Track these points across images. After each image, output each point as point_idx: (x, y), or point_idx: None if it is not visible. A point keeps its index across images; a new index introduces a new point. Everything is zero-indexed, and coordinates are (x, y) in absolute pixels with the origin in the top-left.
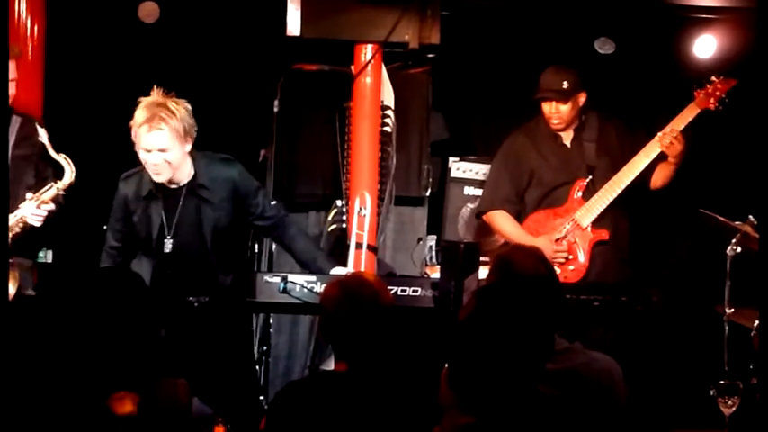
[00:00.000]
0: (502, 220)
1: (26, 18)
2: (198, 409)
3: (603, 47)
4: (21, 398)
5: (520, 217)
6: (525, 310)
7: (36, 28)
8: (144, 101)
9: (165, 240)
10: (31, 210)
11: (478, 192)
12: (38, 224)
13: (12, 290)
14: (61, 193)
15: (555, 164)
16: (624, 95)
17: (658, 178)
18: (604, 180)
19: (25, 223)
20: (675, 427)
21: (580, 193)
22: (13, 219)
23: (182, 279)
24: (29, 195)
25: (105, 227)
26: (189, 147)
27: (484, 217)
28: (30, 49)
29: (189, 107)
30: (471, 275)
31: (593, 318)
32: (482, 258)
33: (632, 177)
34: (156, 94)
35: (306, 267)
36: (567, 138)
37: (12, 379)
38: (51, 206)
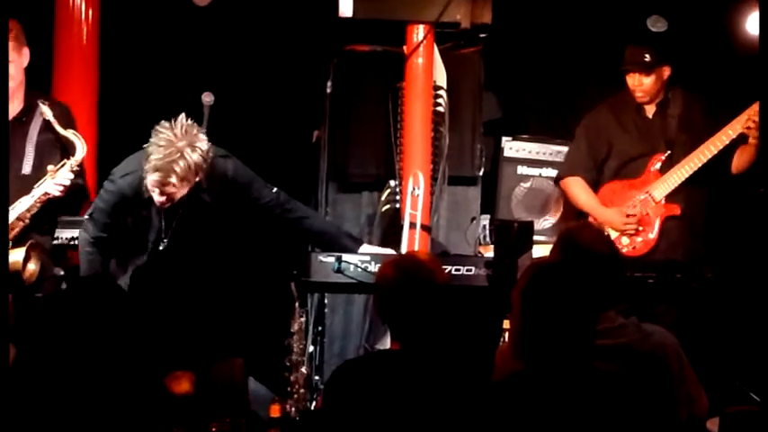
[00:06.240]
0: (577, 188)
1: (80, 2)
2: (254, 388)
3: (656, 25)
4: (78, 376)
5: (596, 187)
6: (587, 286)
7: (90, 12)
8: (161, 139)
9: (161, 242)
10: (52, 182)
11: (532, 171)
12: (58, 193)
13: (33, 268)
14: (75, 169)
15: (634, 134)
16: (677, 73)
17: (740, 162)
18: (684, 156)
19: (44, 201)
20: (735, 404)
21: (658, 166)
22: (30, 200)
23: (173, 277)
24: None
25: (87, 216)
26: (193, 182)
27: (561, 183)
28: (84, 33)
29: (204, 147)
30: (525, 254)
31: (649, 295)
32: (536, 237)
33: (710, 155)
34: (176, 128)
35: (326, 248)
36: (650, 111)
37: (69, 357)
38: (71, 175)
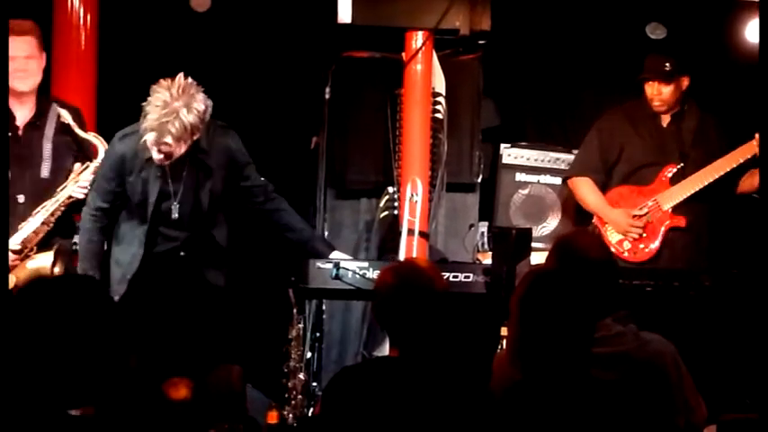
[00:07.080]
0: (585, 188)
1: (79, 7)
2: (252, 395)
3: (655, 32)
4: (75, 383)
5: (603, 190)
6: (584, 294)
7: (89, 17)
8: (158, 99)
9: (172, 207)
10: (75, 185)
11: (530, 178)
12: (82, 196)
13: (58, 271)
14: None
15: (648, 142)
16: None
17: (746, 184)
18: (696, 169)
19: (67, 204)
20: (731, 411)
21: (669, 175)
22: (55, 204)
23: (180, 245)
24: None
25: (89, 187)
26: (191, 140)
27: (569, 182)
28: (82, 38)
29: (200, 108)
30: (523, 261)
31: (647, 303)
32: (534, 244)
33: (722, 172)
34: (173, 88)
35: (299, 247)
36: (665, 120)
37: (66, 362)
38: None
